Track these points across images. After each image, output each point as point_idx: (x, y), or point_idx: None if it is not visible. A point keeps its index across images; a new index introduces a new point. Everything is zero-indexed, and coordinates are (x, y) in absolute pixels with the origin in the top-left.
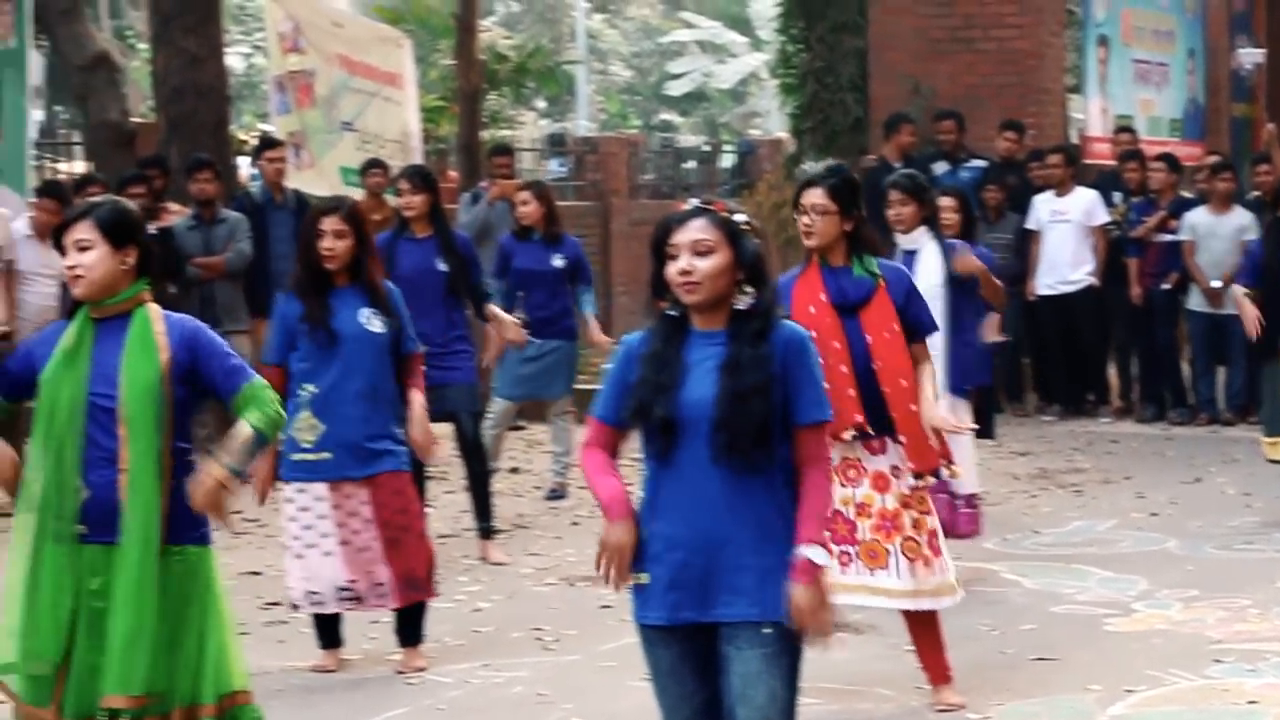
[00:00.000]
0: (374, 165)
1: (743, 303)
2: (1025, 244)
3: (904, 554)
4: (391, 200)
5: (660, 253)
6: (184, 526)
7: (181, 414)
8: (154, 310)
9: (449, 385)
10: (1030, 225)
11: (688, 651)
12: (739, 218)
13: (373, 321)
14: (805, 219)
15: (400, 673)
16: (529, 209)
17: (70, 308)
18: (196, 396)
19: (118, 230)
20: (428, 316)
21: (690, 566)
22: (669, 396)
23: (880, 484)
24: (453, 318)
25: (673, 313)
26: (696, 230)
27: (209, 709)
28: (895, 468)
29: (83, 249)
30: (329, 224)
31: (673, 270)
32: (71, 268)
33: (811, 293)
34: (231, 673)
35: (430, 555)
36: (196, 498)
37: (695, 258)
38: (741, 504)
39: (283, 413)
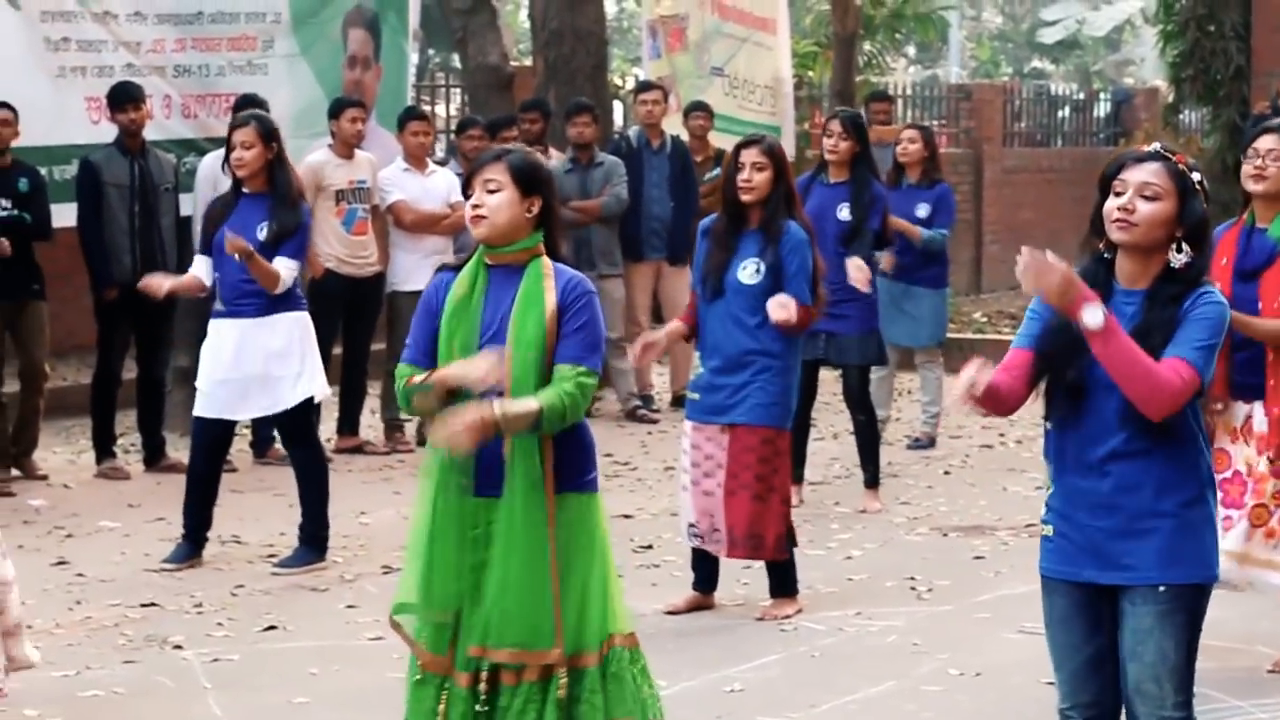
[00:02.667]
0: (698, 108)
1: (1177, 261)
2: None
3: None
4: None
5: (1106, 188)
6: (569, 475)
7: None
8: (546, 264)
9: (839, 335)
10: None
11: (1082, 603)
12: (1195, 176)
13: (751, 272)
14: (1257, 163)
15: (760, 619)
16: (915, 148)
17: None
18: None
19: (527, 178)
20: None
21: (1089, 525)
22: (1082, 357)
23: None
24: (845, 267)
25: (1106, 255)
26: (1149, 173)
27: (592, 657)
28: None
29: (491, 190)
30: (748, 156)
31: (1112, 204)
32: (476, 207)
33: (1224, 249)
34: (616, 615)
35: (775, 517)
36: (454, 423)
37: (1140, 199)
38: (1144, 465)
39: (579, 414)
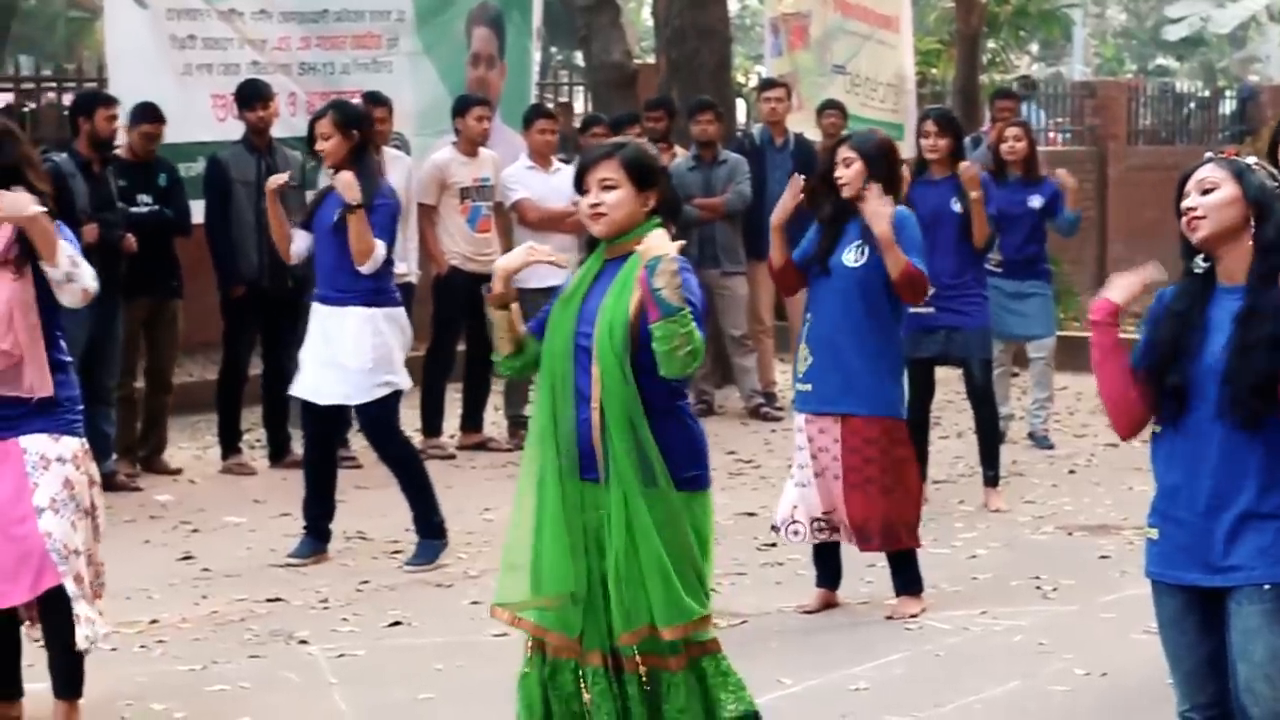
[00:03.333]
0: (830, 106)
1: (1264, 236)
2: None
3: None
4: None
5: (1178, 209)
6: (672, 468)
7: (651, 354)
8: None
9: (959, 329)
10: None
11: (1192, 604)
12: (1249, 159)
13: (849, 254)
14: None
15: (889, 618)
16: (1021, 145)
17: None
18: None
19: (642, 172)
20: (940, 258)
21: (1192, 527)
22: (1184, 362)
23: None
24: (965, 261)
25: (1199, 268)
26: (1202, 173)
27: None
28: None
29: (607, 187)
30: (844, 153)
31: (1183, 207)
32: (594, 205)
33: None
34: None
35: (890, 508)
36: (662, 270)
37: (1199, 195)
38: (1245, 462)
39: (701, 350)
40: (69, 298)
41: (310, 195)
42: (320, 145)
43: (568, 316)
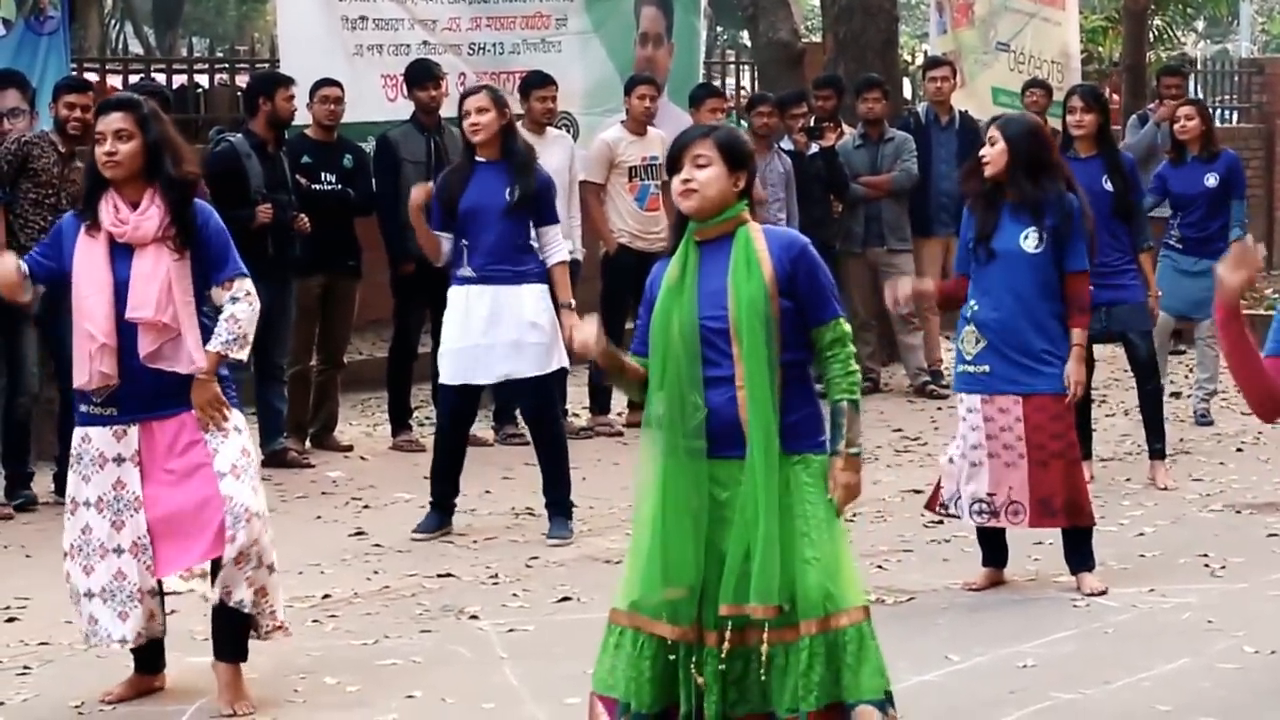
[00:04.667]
0: (1035, 85)
1: None
2: None
3: None
4: (1053, 121)
5: None
6: (801, 435)
7: (788, 326)
8: (754, 228)
9: (1118, 304)
10: None
11: None
12: None
13: (1028, 239)
14: None
15: (1086, 592)
16: (1193, 124)
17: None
18: (800, 308)
19: (735, 154)
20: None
21: None
22: None
23: None
24: (1119, 237)
25: None
26: None
27: (838, 619)
28: None
29: (700, 165)
30: (991, 132)
31: None
32: (686, 181)
33: None
34: (850, 586)
35: (1073, 483)
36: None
37: None
38: None
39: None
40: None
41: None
42: (474, 120)
43: (684, 304)
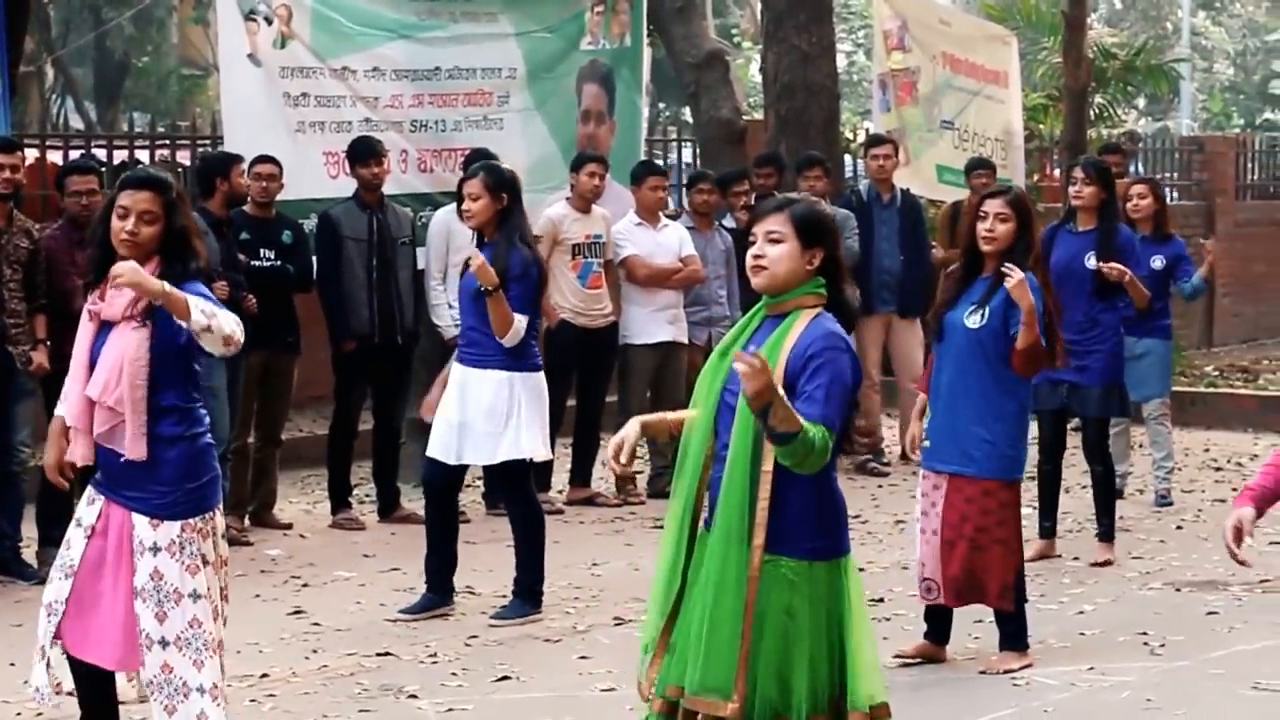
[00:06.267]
0: (980, 165)
1: None
2: None
3: None
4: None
5: None
6: (789, 538)
7: None
8: (806, 315)
9: (1082, 385)
10: None
11: None
12: None
13: (971, 316)
14: None
15: (982, 672)
16: (1146, 203)
17: None
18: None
19: (810, 229)
20: (1070, 309)
21: None
22: None
23: None
24: (1096, 316)
25: None
26: None
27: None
28: None
29: (773, 240)
30: (993, 207)
31: None
32: (757, 257)
33: None
34: (864, 689)
35: (996, 565)
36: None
37: None
38: None
39: (815, 466)
40: (211, 345)
41: (421, 252)
42: (468, 206)
43: (719, 372)
